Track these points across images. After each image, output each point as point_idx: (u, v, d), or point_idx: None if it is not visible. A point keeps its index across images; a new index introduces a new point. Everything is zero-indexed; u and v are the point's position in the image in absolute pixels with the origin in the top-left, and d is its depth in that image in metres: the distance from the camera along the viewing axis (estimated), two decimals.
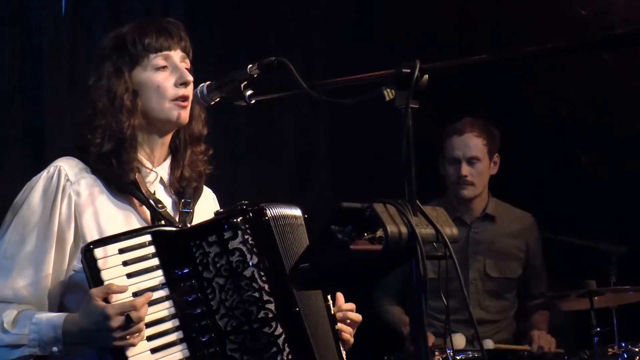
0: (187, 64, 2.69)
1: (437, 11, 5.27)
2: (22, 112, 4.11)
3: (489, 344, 4.29)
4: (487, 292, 4.55)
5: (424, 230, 1.97)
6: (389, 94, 2.09)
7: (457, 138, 4.57)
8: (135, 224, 2.57)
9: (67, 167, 2.58)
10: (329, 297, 2.69)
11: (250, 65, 2.46)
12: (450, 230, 2.02)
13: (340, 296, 2.74)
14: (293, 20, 5.11)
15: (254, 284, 2.46)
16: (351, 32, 5.25)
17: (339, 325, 2.69)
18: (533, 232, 4.72)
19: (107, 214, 2.56)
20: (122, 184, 2.58)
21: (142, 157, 2.64)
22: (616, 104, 5.06)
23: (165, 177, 2.70)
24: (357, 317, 2.74)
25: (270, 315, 2.45)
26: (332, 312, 2.69)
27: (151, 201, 2.59)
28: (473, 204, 4.64)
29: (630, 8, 4.67)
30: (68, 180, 2.56)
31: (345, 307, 2.72)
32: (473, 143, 4.55)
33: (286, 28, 5.07)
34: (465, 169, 4.53)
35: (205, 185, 2.83)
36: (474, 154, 4.55)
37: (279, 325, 2.45)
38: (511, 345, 4.46)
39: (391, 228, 1.92)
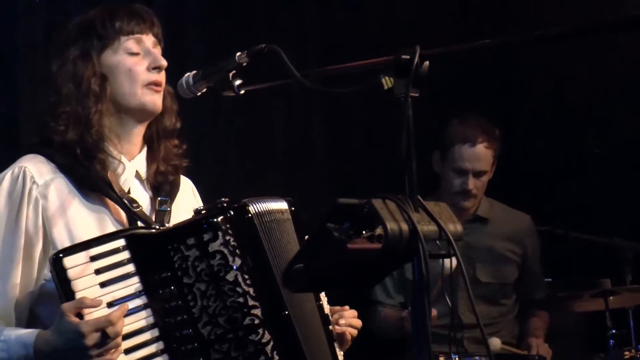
0: (159, 50, 2.69)
1: None
2: None
3: (496, 343, 4.29)
4: (477, 297, 4.53)
5: (426, 228, 1.97)
6: (387, 82, 2.09)
7: (467, 149, 4.47)
8: (110, 226, 2.56)
9: (33, 168, 2.56)
10: (320, 295, 2.69)
11: (238, 53, 2.46)
12: (454, 226, 2.03)
13: (345, 307, 2.77)
14: (285, 5, 5.10)
15: (237, 289, 2.45)
16: (347, 17, 5.24)
17: (339, 329, 2.70)
18: (531, 235, 4.71)
19: (78, 218, 2.54)
20: (94, 182, 2.56)
21: (111, 148, 2.62)
22: (631, 91, 5.06)
23: (142, 171, 2.69)
24: (359, 323, 2.76)
25: (257, 321, 2.44)
26: (325, 311, 2.69)
27: (125, 201, 2.57)
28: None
29: None
30: (34, 182, 2.53)
31: (348, 314, 2.74)
32: (483, 155, 4.48)
33: (277, 13, 5.06)
34: (472, 183, 4.47)
35: (191, 178, 2.82)
36: (484, 168, 4.50)
37: (266, 332, 2.45)
38: (513, 348, 4.47)
39: (391, 225, 1.92)
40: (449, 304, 2.11)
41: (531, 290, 4.69)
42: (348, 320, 2.73)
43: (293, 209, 2.65)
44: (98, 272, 2.41)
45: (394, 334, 4.50)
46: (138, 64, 2.63)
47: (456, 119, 4.57)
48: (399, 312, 4.52)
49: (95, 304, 2.36)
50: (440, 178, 4.59)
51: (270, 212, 2.56)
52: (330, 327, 2.69)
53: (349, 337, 2.72)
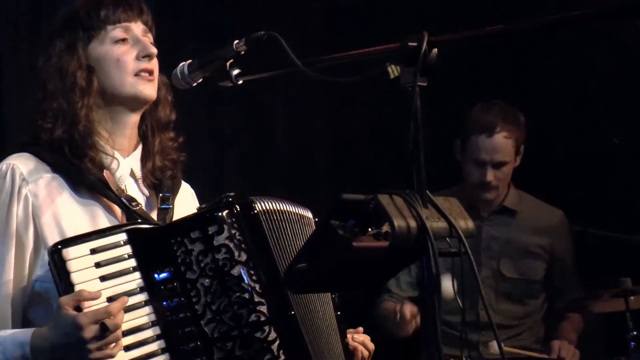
0: (149, 38, 2.70)
1: None
2: None
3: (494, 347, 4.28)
4: (501, 294, 4.54)
5: (435, 224, 1.98)
6: (393, 71, 2.10)
7: (485, 139, 4.44)
8: (105, 223, 2.57)
9: (22, 165, 2.57)
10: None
11: (236, 41, 2.47)
12: (465, 223, 2.04)
13: (359, 329, 2.79)
14: None
15: (242, 284, 2.47)
16: (351, 2, 5.24)
17: (352, 343, 2.73)
18: (562, 231, 4.69)
19: (70, 215, 2.56)
20: (88, 181, 2.58)
21: (102, 143, 2.63)
22: None
23: (137, 170, 2.70)
24: (371, 345, 2.79)
25: (263, 318, 2.46)
26: (342, 325, 2.72)
27: (123, 200, 2.59)
28: None
29: None
30: (23, 179, 2.55)
31: (360, 337, 2.77)
32: (502, 146, 4.46)
33: None
34: (491, 175, 4.47)
35: (185, 177, 2.84)
36: (503, 159, 4.49)
37: (272, 330, 2.46)
38: (525, 352, 4.45)
39: (398, 222, 1.93)
40: (460, 304, 2.10)
41: (562, 292, 4.66)
42: (361, 339, 2.76)
43: (316, 220, 2.70)
44: (98, 265, 2.43)
45: (391, 329, 4.45)
46: (126, 53, 2.64)
47: (478, 105, 4.57)
48: (397, 304, 4.49)
49: (94, 297, 2.37)
50: (462, 168, 4.60)
51: (281, 212, 2.60)
52: (346, 339, 2.72)
53: (359, 355, 2.74)
